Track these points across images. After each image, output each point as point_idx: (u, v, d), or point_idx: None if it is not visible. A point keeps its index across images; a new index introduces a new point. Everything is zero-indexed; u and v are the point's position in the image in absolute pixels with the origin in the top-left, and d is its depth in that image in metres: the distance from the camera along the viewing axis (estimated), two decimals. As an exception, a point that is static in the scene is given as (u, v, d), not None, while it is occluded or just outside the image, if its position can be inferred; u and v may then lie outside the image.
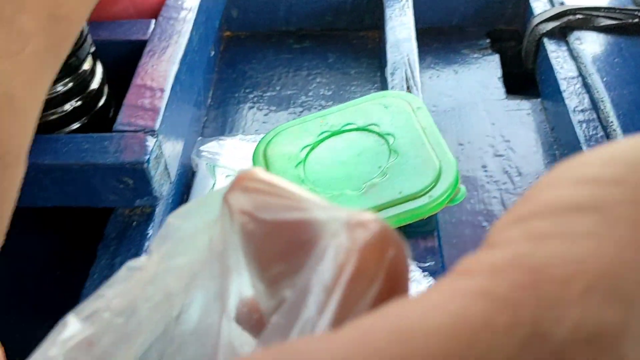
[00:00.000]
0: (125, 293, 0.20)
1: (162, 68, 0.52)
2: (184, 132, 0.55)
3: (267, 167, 0.54)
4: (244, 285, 0.23)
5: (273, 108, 0.65)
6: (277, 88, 0.67)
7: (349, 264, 0.17)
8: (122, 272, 0.20)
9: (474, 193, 0.55)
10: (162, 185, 0.48)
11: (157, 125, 0.47)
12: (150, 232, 0.48)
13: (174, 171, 0.51)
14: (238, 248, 0.21)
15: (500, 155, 0.58)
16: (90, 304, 0.19)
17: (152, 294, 0.20)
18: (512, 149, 0.59)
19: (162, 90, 0.50)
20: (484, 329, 0.12)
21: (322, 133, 0.55)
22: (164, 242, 0.21)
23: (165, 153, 0.48)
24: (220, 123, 0.64)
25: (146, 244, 0.47)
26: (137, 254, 0.46)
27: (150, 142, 0.46)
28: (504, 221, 0.14)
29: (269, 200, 0.20)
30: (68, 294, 0.45)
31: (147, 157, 0.45)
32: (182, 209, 0.21)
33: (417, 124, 0.52)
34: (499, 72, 0.66)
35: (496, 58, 0.68)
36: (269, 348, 0.14)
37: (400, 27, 0.64)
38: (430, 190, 0.47)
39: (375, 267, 0.18)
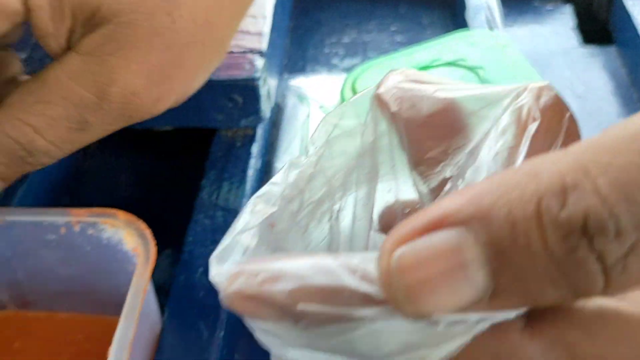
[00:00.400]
0: (293, 185, 0.21)
1: (262, -2, 0.53)
2: (278, 63, 0.57)
3: (357, 100, 0.56)
4: (397, 186, 0.25)
5: (350, 53, 0.67)
6: (353, 36, 0.69)
7: (534, 123, 0.19)
8: (286, 167, 0.22)
9: (557, 130, 0.57)
10: (266, 106, 0.50)
11: (263, 47, 0.49)
12: (254, 151, 0.50)
13: (273, 97, 0.53)
14: (390, 144, 0.22)
15: (580, 97, 0.60)
16: (267, 190, 0.21)
17: (315, 189, 0.22)
18: (591, 92, 0.60)
19: (264, 17, 0.52)
20: None
21: (413, 68, 0.57)
22: (321, 141, 0.22)
23: (269, 77, 0.50)
24: (300, 67, 0.66)
25: (252, 161, 0.49)
26: (244, 170, 0.48)
27: (259, 61, 0.48)
28: None
29: (424, 88, 0.21)
30: (182, 207, 0.47)
31: (257, 74, 0.47)
32: (336, 110, 0.23)
33: (507, 58, 0.54)
34: (572, 22, 0.68)
35: (569, 9, 0.69)
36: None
37: (476, -24, 0.66)
38: (527, 114, 0.48)
39: (558, 125, 0.19)
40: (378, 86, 0.22)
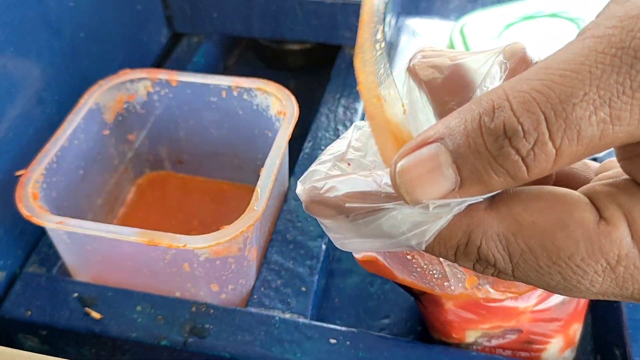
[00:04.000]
0: (358, 139, 0.28)
1: (391, -58, 0.62)
2: (397, 6, 0.65)
3: (463, 40, 0.63)
4: None
5: (462, 4, 0.74)
6: (463, -7, 0.76)
7: (507, 70, 0.25)
8: (352, 127, 0.28)
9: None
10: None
11: (391, -21, 0.57)
12: (373, 67, 0.58)
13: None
14: (423, 103, 0.28)
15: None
16: (338, 141, 0.27)
17: (371, 145, 0.28)
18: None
19: (393, -44, 0.60)
20: None
21: (516, 17, 0.63)
22: None
23: (390, 6, 0.58)
24: (414, 13, 0.73)
25: (370, 75, 0.57)
26: (363, 80, 0.56)
27: (387, -11, 0.56)
28: None
29: (440, 58, 0.27)
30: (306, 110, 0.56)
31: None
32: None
33: (606, 11, 0.59)
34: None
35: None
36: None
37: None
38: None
39: (522, 70, 0.25)
40: (409, 62, 0.27)
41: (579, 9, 0.61)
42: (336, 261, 0.49)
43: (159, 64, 0.61)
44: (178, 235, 0.36)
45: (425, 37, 0.66)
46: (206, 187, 0.53)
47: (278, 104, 0.45)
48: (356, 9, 0.56)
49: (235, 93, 0.47)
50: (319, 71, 0.65)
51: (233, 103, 0.47)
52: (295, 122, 0.43)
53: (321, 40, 0.59)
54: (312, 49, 0.65)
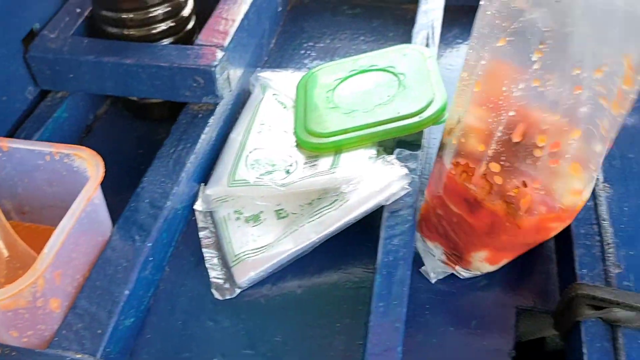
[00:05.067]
0: None
1: (237, 7, 0.68)
2: (247, 58, 0.72)
3: (306, 92, 0.70)
4: None
5: (321, 56, 0.81)
6: (327, 42, 0.83)
7: None
8: None
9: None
10: (224, 89, 0.65)
11: (226, 44, 0.64)
12: (210, 122, 0.64)
13: (234, 82, 0.67)
14: None
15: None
16: None
17: None
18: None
19: (233, 20, 0.66)
20: None
21: (352, 70, 0.70)
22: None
23: (229, 67, 0.65)
24: (277, 63, 0.80)
25: (206, 129, 0.64)
26: (198, 135, 0.63)
27: (219, 54, 0.63)
28: None
29: None
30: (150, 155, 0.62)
31: (215, 63, 0.62)
32: None
33: (426, 68, 0.66)
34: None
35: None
36: None
37: (433, 1, 0.78)
38: (421, 112, 0.61)
39: None
40: None
41: (404, 66, 0.67)
42: (156, 301, 0.56)
43: (22, 120, 0.67)
44: (-37, 294, 0.42)
45: (275, 87, 0.72)
46: (49, 235, 0.59)
47: (91, 168, 0.52)
48: (191, 72, 0.63)
49: (57, 157, 0.53)
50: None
51: (57, 165, 0.54)
52: (100, 182, 0.50)
53: (166, 98, 0.66)
54: (175, 102, 0.71)
